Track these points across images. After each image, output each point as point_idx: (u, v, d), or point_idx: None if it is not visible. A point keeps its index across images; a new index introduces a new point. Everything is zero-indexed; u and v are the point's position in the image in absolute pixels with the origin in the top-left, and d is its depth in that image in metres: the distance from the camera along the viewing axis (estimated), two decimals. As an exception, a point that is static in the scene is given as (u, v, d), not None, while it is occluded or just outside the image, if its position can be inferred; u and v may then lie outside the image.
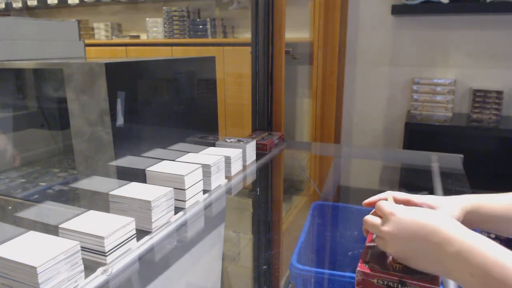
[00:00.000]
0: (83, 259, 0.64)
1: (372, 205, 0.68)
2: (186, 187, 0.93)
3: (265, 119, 1.68)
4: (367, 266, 0.59)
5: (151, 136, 1.06)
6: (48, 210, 0.96)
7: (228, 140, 1.30)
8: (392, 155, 1.87)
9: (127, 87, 0.95)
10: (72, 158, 0.98)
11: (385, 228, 0.59)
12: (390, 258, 0.60)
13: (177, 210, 0.91)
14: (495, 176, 2.14)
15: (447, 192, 1.09)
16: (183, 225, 0.89)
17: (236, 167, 1.19)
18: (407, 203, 0.67)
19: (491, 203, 0.66)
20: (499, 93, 2.11)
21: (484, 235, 0.52)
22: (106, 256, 0.69)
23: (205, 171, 1.03)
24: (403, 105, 2.41)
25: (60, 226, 0.71)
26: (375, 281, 0.57)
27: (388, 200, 0.67)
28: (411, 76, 2.34)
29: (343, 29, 2.37)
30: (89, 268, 0.67)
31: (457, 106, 2.29)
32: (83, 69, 0.90)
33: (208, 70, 1.35)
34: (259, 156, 1.38)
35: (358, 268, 0.58)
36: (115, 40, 3.40)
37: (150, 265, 0.76)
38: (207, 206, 1.00)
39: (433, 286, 0.54)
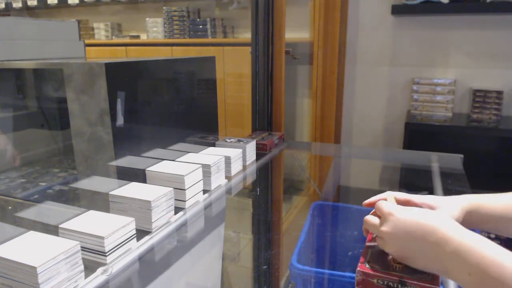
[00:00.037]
0: (83, 259, 0.64)
1: (372, 205, 0.68)
2: (186, 187, 0.93)
3: (265, 119, 1.68)
4: (367, 266, 0.59)
5: (151, 136, 1.06)
6: (48, 210, 0.96)
7: (228, 140, 1.30)
8: (392, 155, 1.87)
9: (127, 87, 0.95)
10: (72, 158, 0.98)
11: (384, 228, 0.59)
12: (390, 258, 0.60)
13: (177, 210, 0.91)
14: (495, 176, 2.14)
15: (447, 192, 1.09)
16: (183, 225, 0.89)
17: (236, 167, 1.19)
18: (407, 203, 0.67)
19: (491, 203, 0.66)
20: (499, 93, 2.11)
21: (484, 235, 0.52)
22: (106, 256, 0.69)
23: (205, 171, 1.03)
24: (403, 105, 2.41)
25: (60, 226, 0.71)
26: (375, 281, 0.57)
27: (388, 200, 0.67)
28: (411, 76, 2.34)
29: (343, 29, 2.37)
30: (89, 268, 0.67)
31: (457, 106, 2.29)
32: (83, 69, 0.90)
33: (208, 70, 1.35)
34: (259, 156, 1.38)
35: (358, 268, 0.58)
36: (115, 40, 3.40)
37: (150, 265, 0.76)
38: (207, 206, 1.00)
39: (433, 286, 0.54)
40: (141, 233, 0.80)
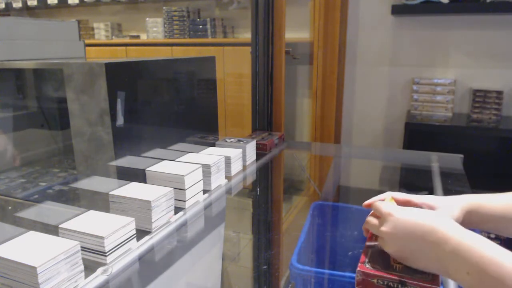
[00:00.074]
0: (83, 259, 0.64)
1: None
2: (186, 187, 0.93)
3: (265, 119, 1.68)
4: (367, 266, 0.59)
5: (151, 136, 1.06)
6: (48, 210, 0.96)
7: (228, 140, 1.30)
8: (392, 155, 1.87)
9: (127, 87, 0.95)
10: (72, 158, 0.98)
11: (384, 228, 0.59)
12: (390, 258, 0.60)
13: (177, 210, 0.91)
14: (495, 176, 2.14)
15: (447, 192, 1.09)
16: (183, 225, 0.89)
17: (236, 167, 1.19)
18: (407, 203, 0.68)
19: (491, 203, 0.66)
20: (499, 93, 2.11)
21: (484, 235, 0.52)
22: (106, 256, 0.69)
23: (205, 171, 1.03)
24: (403, 105, 2.41)
25: (60, 226, 0.71)
26: (375, 281, 0.57)
27: (385, 201, 0.67)
28: (411, 76, 2.34)
29: (343, 29, 2.37)
30: (89, 268, 0.67)
31: (457, 106, 2.29)
32: (83, 69, 0.90)
33: (208, 70, 1.35)
34: (259, 156, 1.38)
35: (358, 268, 0.58)
36: (115, 40, 3.40)
37: (150, 265, 0.76)
38: (207, 206, 1.00)
39: (433, 286, 0.54)
40: (141, 233, 0.80)
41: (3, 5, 3.77)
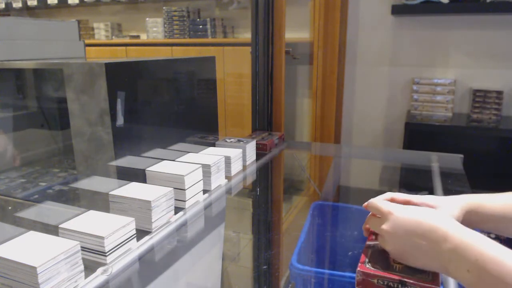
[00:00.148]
0: (83, 259, 0.64)
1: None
2: (186, 187, 0.93)
3: (265, 119, 1.68)
4: (367, 266, 0.59)
5: (151, 136, 1.06)
6: (48, 210, 0.96)
7: (228, 140, 1.30)
8: (392, 155, 1.87)
9: (127, 87, 0.95)
10: (72, 158, 0.98)
11: (384, 226, 0.60)
12: (391, 258, 0.60)
13: (177, 210, 0.91)
14: (495, 176, 2.14)
15: (447, 192, 1.09)
16: (183, 225, 0.89)
17: (236, 167, 1.19)
18: (407, 203, 0.68)
19: (491, 202, 0.66)
20: (499, 93, 2.11)
21: (484, 235, 0.52)
22: (106, 256, 0.69)
23: (205, 171, 1.03)
24: (403, 105, 2.41)
25: (60, 226, 0.71)
26: (375, 281, 0.57)
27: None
28: (411, 76, 2.34)
29: (343, 29, 2.37)
30: (89, 268, 0.67)
31: (457, 106, 2.29)
32: (83, 69, 0.90)
33: (208, 70, 1.35)
34: (259, 156, 1.38)
35: (358, 268, 0.58)
36: (115, 40, 3.40)
37: (150, 265, 0.76)
38: (207, 206, 1.00)
39: (433, 286, 0.54)
40: (141, 233, 0.80)
41: (3, 5, 3.77)
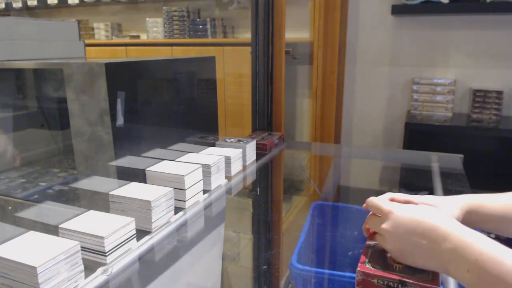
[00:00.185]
0: (83, 259, 0.64)
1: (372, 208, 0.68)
2: (186, 187, 0.93)
3: (265, 119, 1.68)
4: (367, 266, 0.59)
5: (151, 136, 1.06)
6: (48, 210, 0.96)
7: (228, 140, 1.30)
8: (392, 155, 1.87)
9: (127, 87, 0.95)
10: (72, 158, 0.98)
11: (384, 225, 0.60)
12: (390, 258, 0.60)
13: (177, 210, 0.91)
14: (495, 176, 2.14)
15: (447, 192, 1.09)
16: (183, 225, 0.89)
17: (236, 167, 1.19)
18: (407, 203, 0.67)
19: (491, 202, 0.66)
20: (499, 93, 2.11)
21: (484, 235, 0.52)
22: (106, 256, 0.69)
23: (205, 171, 1.03)
24: (403, 105, 2.41)
25: (60, 226, 0.71)
26: (375, 281, 0.57)
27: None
28: (411, 76, 2.34)
29: (343, 29, 2.37)
30: (89, 268, 0.67)
31: (457, 106, 2.29)
32: (83, 69, 0.90)
33: (208, 70, 1.35)
34: (259, 156, 1.38)
35: (358, 268, 0.58)
36: (115, 40, 3.40)
37: (150, 265, 0.76)
38: (207, 206, 1.00)
39: (433, 286, 0.54)
40: (141, 233, 0.80)
41: (3, 5, 3.77)
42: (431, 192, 1.11)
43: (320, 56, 2.31)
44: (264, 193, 1.28)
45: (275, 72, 1.66)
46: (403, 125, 2.13)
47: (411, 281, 0.55)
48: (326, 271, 1.13)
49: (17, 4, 3.67)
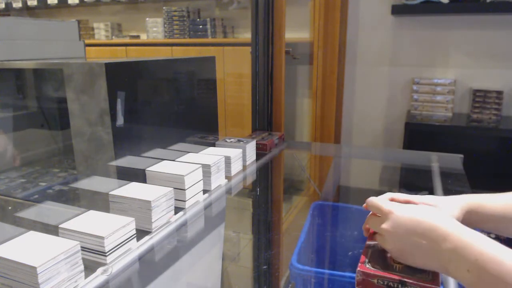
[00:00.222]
0: (83, 259, 0.64)
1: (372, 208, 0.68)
2: (186, 187, 0.93)
3: (265, 119, 1.68)
4: (367, 266, 0.59)
5: (151, 136, 1.06)
6: (48, 210, 0.96)
7: (228, 140, 1.30)
8: (392, 155, 1.87)
9: (127, 87, 0.95)
10: (72, 158, 0.98)
11: (384, 225, 0.60)
12: (390, 258, 0.60)
13: (177, 210, 0.91)
14: (495, 176, 2.14)
15: (447, 192, 1.09)
16: (183, 225, 0.89)
17: (236, 167, 1.19)
18: (407, 204, 0.67)
19: (491, 202, 0.66)
20: (499, 93, 2.11)
21: (484, 235, 0.52)
22: (106, 256, 0.69)
23: (205, 171, 1.03)
24: (403, 105, 2.41)
25: (60, 226, 0.71)
26: (375, 281, 0.57)
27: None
28: (411, 76, 2.34)
29: (343, 29, 2.37)
30: (89, 268, 0.67)
31: (457, 106, 2.29)
32: (83, 69, 0.90)
33: (208, 70, 1.35)
34: (259, 156, 1.38)
35: (358, 268, 0.58)
36: (115, 40, 3.40)
37: (150, 265, 0.76)
38: (207, 206, 1.00)
39: (433, 286, 0.54)
40: (141, 233, 0.80)
41: (3, 5, 3.77)
42: (431, 192, 1.11)
43: (320, 56, 2.31)
44: (264, 193, 1.28)
45: (275, 72, 1.66)
46: (403, 125, 2.13)
47: (411, 281, 0.55)
48: (326, 271, 1.13)
49: (17, 4, 3.67)
